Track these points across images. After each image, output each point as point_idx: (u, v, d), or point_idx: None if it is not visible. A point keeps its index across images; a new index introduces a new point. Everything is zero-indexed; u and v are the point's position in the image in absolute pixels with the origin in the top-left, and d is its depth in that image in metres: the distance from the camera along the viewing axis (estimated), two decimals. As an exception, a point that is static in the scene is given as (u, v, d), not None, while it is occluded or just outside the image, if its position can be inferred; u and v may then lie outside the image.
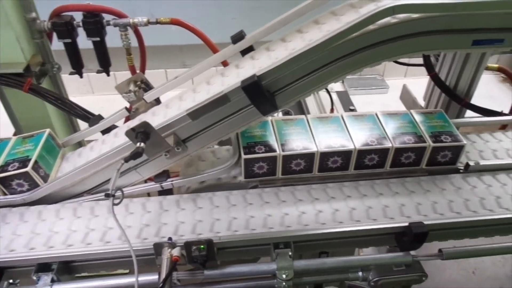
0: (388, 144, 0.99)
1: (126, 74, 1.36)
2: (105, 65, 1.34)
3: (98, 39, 1.26)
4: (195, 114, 0.85)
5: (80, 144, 1.18)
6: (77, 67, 1.33)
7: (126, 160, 0.82)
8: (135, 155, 0.82)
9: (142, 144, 0.83)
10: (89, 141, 1.12)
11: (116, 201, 0.82)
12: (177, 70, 2.69)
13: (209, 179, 1.05)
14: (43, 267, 0.89)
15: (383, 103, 2.77)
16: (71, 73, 1.35)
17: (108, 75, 1.37)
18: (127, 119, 1.14)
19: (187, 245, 0.83)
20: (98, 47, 1.29)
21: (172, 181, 1.00)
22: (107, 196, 0.82)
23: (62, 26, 1.22)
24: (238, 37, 1.01)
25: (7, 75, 1.18)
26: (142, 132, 0.84)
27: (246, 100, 0.84)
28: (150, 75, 1.41)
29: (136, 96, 1.08)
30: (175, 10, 2.26)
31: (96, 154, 1.00)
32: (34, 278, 0.89)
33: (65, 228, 0.93)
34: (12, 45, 1.18)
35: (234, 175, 1.07)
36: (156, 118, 0.99)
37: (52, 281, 0.87)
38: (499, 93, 3.02)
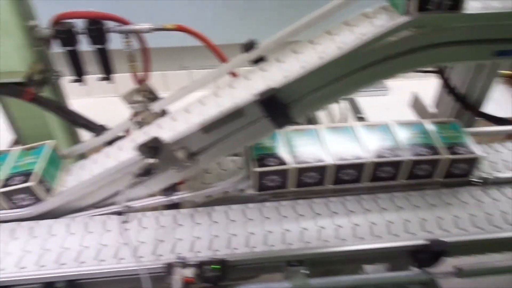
0: (404, 156, 0.97)
1: (125, 77, 1.34)
2: (107, 73, 1.31)
3: (101, 46, 1.23)
4: (208, 127, 0.82)
5: (82, 155, 1.15)
6: (79, 75, 1.30)
7: (138, 176, 0.79)
8: (147, 171, 0.79)
9: (154, 160, 0.81)
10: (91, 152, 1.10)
11: (126, 219, 0.80)
12: (176, 73, 2.64)
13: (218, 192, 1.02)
14: (50, 286, 0.87)
15: (385, 106, 2.75)
16: (72, 81, 1.31)
17: (110, 82, 1.34)
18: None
19: (200, 265, 0.81)
20: (100, 54, 1.25)
21: (181, 195, 0.97)
22: (118, 214, 0.79)
23: (65, 34, 1.19)
24: (249, 46, 0.98)
25: (7, 84, 1.14)
26: (153, 147, 0.81)
27: (261, 112, 0.81)
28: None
29: (143, 107, 1.05)
30: (170, 10, 2.24)
31: (100, 168, 0.97)
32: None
33: (76, 244, 0.89)
34: (12, 53, 1.14)
35: (241, 188, 1.05)
36: (163, 131, 0.96)
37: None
38: (500, 96, 3.02)
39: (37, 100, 1.15)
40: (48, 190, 0.95)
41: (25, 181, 0.91)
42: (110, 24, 1.22)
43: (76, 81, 1.31)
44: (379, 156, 0.97)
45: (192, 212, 0.96)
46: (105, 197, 0.96)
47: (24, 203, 0.96)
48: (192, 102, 1.01)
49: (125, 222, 0.80)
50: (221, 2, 2.34)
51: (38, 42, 1.20)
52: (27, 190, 0.92)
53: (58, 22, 1.20)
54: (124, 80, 1.34)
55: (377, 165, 0.97)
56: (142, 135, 0.99)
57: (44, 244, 0.90)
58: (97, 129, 1.09)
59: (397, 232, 0.91)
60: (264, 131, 0.86)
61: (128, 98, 1.06)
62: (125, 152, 0.96)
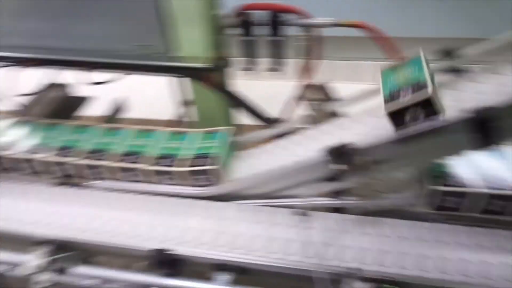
0: None
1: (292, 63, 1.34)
2: (278, 64, 1.33)
3: (278, 38, 1.25)
4: (405, 139, 0.77)
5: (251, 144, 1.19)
6: (251, 64, 1.34)
7: (323, 179, 0.79)
8: (334, 176, 0.78)
9: (342, 166, 0.79)
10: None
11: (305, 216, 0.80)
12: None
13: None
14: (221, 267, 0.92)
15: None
16: (243, 69, 1.36)
17: (279, 74, 1.36)
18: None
19: (374, 280, 0.78)
20: (276, 47, 1.28)
21: (350, 200, 0.95)
22: (296, 214, 0.80)
23: (247, 24, 1.23)
24: (447, 53, 0.90)
25: (192, 68, 1.23)
26: (343, 153, 0.80)
27: (468, 130, 0.74)
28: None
29: (318, 105, 1.05)
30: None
31: (276, 160, 0.99)
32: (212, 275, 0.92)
33: (247, 231, 0.93)
34: (199, 39, 1.22)
35: (412, 203, 0.98)
36: (344, 133, 0.94)
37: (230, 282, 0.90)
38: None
39: (215, 86, 1.22)
40: (226, 174, 1.00)
41: (208, 164, 0.97)
42: (291, 16, 1.22)
43: (247, 69, 1.36)
44: None
45: (360, 220, 0.93)
46: (276, 189, 0.99)
47: (202, 183, 1.03)
48: (373, 107, 0.97)
49: (303, 219, 0.80)
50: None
51: (220, 30, 1.26)
52: (209, 172, 0.98)
53: (242, 12, 1.24)
54: (292, 66, 1.34)
55: None
56: (319, 134, 0.98)
57: (218, 226, 0.96)
58: (269, 120, 1.12)
59: None
60: (462, 149, 0.79)
61: (306, 94, 1.06)
62: (302, 148, 0.96)
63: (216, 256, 0.91)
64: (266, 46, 1.30)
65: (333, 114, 1.05)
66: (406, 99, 0.72)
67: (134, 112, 1.67)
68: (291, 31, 1.26)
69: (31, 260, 0.99)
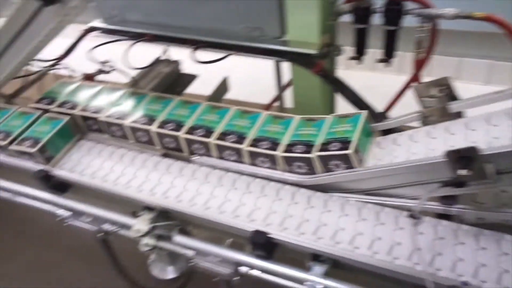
0: None
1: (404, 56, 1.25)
2: (389, 56, 1.26)
3: (393, 28, 1.18)
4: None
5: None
6: (360, 53, 1.29)
7: (446, 185, 0.73)
8: (459, 182, 0.72)
9: (466, 171, 0.73)
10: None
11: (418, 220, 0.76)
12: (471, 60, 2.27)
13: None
14: (315, 256, 0.91)
15: None
16: (350, 58, 1.32)
17: (388, 65, 1.30)
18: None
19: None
20: (390, 36, 1.21)
21: (464, 209, 0.88)
22: (411, 217, 0.76)
23: (362, 11, 1.18)
24: None
25: (300, 54, 1.21)
26: (467, 157, 0.73)
27: None
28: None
29: (436, 103, 0.98)
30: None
31: (389, 155, 0.95)
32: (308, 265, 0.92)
33: (350, 227, 0.91)
34: (312, 25, 1.20)
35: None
36: (469, 134, 0.87)
37: (325, 274, 0.89)
38: None
39: (324, 75, 1.19)
40: (360, 160, 0.97)
41: (342, 149, 0.95)
42: (410, 5, 1.15)
43: (354, 58, 1.31)
44: None
45: (476, 233, 0.86)
46: (384, 186, 0.94)
47: (337, 169, 1.00)
48: (497, 112, 0.88)
49: (414, 223, 0.76)
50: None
51: (333, 16, 1.22)
52: (343, 157, 0.95)
53: (357, -2, 1.19)
54: (402, 59, 1.26)
55: None
56: (440, 133, 0.92)
57: (320, 217, 0.95)
58: (376, 115, 1.07)
59: None
60: None
61: (421, 90, 1.00)
62: (421, 147, 0.91)
63: (315, 246, 0.89)
64: (378, 35, 1.24)
65: (453, 114, 0.97)
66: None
67: (233, 92, 1.69)
68: (408, 21, 1.19)
69: (136, 224, 1.06)
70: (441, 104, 0.97)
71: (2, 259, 1.93)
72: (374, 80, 2.17)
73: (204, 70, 1.50)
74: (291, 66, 1.37)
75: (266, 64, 1.49)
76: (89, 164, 1.20)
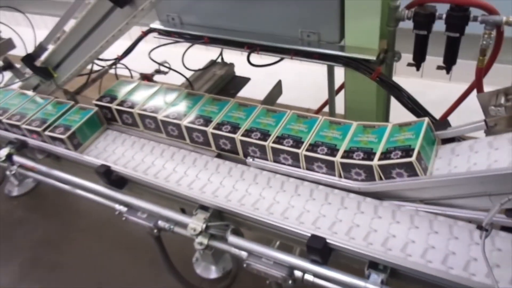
0: None
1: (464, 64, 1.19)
2: (450, 63, 1.23)
3: (457, 35, 1.15)
4: None
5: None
6: (419, 60, 1.27)
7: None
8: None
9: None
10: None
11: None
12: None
13: None
14: (374, 265, 0.90)
15: None
16: (408, 65, 1.30)
17: (448, 72, 1.27)
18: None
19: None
20: (452, 43, 1.18)
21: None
22: (479, 228, 0.74)
23: (424, 17, 1.16)
24: None
25: (359, 59, 1.21)
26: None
27: None
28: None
29: (505, 112, 0.94)
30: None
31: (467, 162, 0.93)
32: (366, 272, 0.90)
33: (402, 234, 0.90)
34: (372, 31, 1.19)
35: None
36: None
37: (382, 282, 0.87)
38: None
39: (383, 81, 1.18)
40: (424, 169, 0.95)
41: (405, 157, 0.93)
42: (476, 12, 1.12)
43: (412, 65, 1.29)
44: None
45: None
46: (444, 197, 0.93)
47: (359, 177, 1.01)
48: None
49: (486, 235, 0.74)
50: None
51: (394, 22, 1.21)
52: (406, 166, 0.94)
53: (420, 4, 1.17)
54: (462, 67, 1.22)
55: None
56: (505, 144, 0.89)
57: (371, 223, 0.94)
58: (439, 124, 1.04)
59: None
60: None
61: (487, 99, 0.97)
62: (488, 156, 0.89)
63: (367, 252, 0.88)
64: (439, 42, 1.21)
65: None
66: None
67: (284, 97, 1.70)
68: (471, 28, 1.16)
69: (191, 222, 1.08)
70: (509, 113, 0.93)
71: (57, 249, 2.03)
72: (421, 86, 2.12)
73: (262, 74, 1.51)
74: (345, 72, 1.36)
75: (307, 69, 1.48)
76: (142, 160, 1.24)
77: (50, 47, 1.39)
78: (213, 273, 1.92)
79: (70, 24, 1.27)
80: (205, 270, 1.92)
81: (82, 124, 1.29)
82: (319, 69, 1.54)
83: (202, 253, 1.91)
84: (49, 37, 1.33)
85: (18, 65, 1.52)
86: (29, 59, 1.36)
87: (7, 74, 1.63)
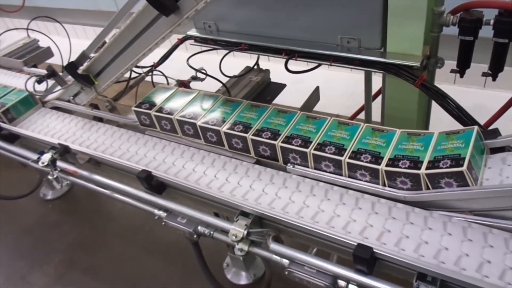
0: None
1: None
2: (496, 70, 1.20)
3: (506, 41, 1.12)
4: None
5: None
6: (463, 67, 1.24)
7: None
8: None
9: None
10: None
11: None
12: None
13: None
14: (423, 276, 0.88)
15: None
16: (452, 71, 1.27)
17: (494, 80, 1.23)
18: None
19: None
20: (499, 49, 1.15)
21: None
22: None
23: (470, 23, 1.13)
24: None
25: (402, 66, 1.19)
26: None
27: None
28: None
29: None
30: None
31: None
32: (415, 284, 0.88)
33: (455, 246, 0.87)
34: (416, 37, 1.17)
35: None
36: None
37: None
38: None
39: (427, 87, 1.16)
40: (475, 179, 0.93)
41: (454, 166, 0.91)
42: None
43: (456, 72, 1.26)
44: None
45: None
46: (496, 208, 0.90)
47: (405, 186, 0.99)
48: None
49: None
50: None
51: (438, 28, 1.19)
52: (456, 175, 0.91)
53: (466, 9, 1.15)
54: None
55: None
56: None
57: (421, 234, 0.92)
58: (488, 132, 1.02)
59: None
60: None
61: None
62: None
63: (416, 263, 0.86)
64: (485, 48, 1.19)
65: None
66: None
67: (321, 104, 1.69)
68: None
69: (233, 229, 1.07)
70: None
71: (90, 252, 2.06)
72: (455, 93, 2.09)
73: (298, 80, 1.50)
74: (384, 78, 1.34)
75: (336, 76, 1.47)
76: (183, 166, 1.25)
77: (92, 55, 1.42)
78: (243, 279, 1.91)
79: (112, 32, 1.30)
80: (235, 276, 1.92)
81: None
82: (348, 76, 1.52)
83: (232, 259, 1.91)
84: (92, 46, 1.36)
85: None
86: (71, 67, 1.39)
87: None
